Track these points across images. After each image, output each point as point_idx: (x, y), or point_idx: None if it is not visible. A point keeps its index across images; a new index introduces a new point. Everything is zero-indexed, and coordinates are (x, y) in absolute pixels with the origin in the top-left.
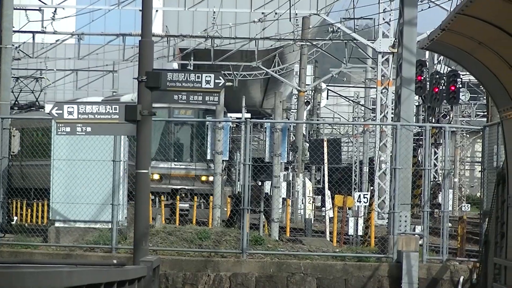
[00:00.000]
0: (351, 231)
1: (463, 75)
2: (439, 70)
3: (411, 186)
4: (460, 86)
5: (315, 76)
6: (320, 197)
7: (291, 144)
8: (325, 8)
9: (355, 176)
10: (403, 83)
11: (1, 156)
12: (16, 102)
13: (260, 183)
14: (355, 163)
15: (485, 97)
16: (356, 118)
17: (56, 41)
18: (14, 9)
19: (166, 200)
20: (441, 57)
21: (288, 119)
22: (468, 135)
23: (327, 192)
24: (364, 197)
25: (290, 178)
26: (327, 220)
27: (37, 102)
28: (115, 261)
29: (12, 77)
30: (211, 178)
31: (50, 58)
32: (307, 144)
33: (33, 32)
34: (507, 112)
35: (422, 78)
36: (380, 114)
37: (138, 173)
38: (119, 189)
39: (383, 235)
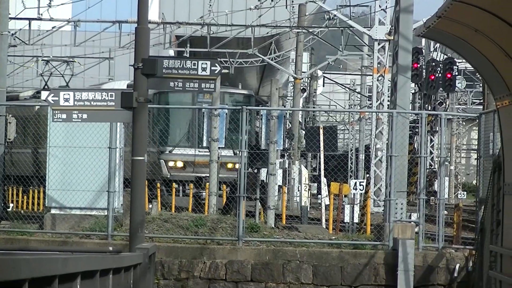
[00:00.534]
0: (347, 219)
1: (459, 62)
2: (435, 58)
3: (407, 174)
4: (456, 73)
5: (311, 64)
6: (316, 184)
7: (287, 132)
8: None
9: (351, 163)
10: (399, 71)
11: None
12: (46, 86)
13: (256, 171)
14: (351, 150)
15: (481, 85)
16: (352, 106)
17: (52, 28)
18: None
19: (183, 188)
20: (437, 45)
21: (284, 107)
22: (464, 123)
23: (323, 180)
24: (360, 185)
25: (286, 166)
26: (323, 208)
27: (67, 86)
28: (111, 248)
29: (42, 59)
30: (237, 166)
31: (46, 45)
32: (303, 132)
33: (29, 19)
34: (503, 100)
35: (418, 65)
36: (376, 102)
37: (134, 160)
38: (115, 176)
39: (379, 223)
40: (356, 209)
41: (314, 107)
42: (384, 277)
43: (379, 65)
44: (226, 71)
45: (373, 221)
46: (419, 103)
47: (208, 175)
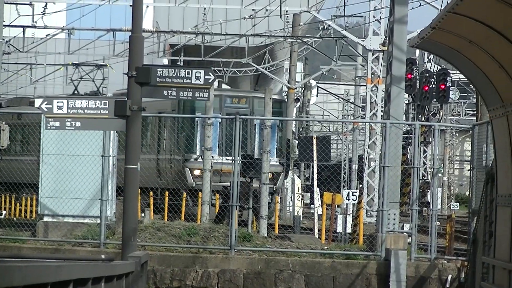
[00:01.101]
0: (339, 229)
1: (453, 73)
2: (429, 69)
3: (400, 184)
4: (450, 84)
5: (305, 73)
6: (309, 194)
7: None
8: (316, 6)
9: (344, 173)
10: (393, 81)
11: None
12: (76, 92)
13: (249, 180)
14: (344, 160)
15: (474, 96)
16: (345, 116)
17: (47, 35)
18: (5, 3)
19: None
20: (431, 56)
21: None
22: (457, 134)
23: (316, 189)
24: (353, 195)
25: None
26: (316, 218)
27: (99, 91)
28: (103, 256)
29: (72, 64)
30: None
31: (40, 53)
32: (296, 141)
33: (24, 27)
34: (497, 111)
35: (412, 76)
36: (370, 112)
37: (127, 169)
38: (108, 184)
39: (372, 233)
40: (349, 219)
41: (307, 117)
42: None
43: (373, 76)
44: (220, 80)
45: (365, 231)
46: (412, 113)
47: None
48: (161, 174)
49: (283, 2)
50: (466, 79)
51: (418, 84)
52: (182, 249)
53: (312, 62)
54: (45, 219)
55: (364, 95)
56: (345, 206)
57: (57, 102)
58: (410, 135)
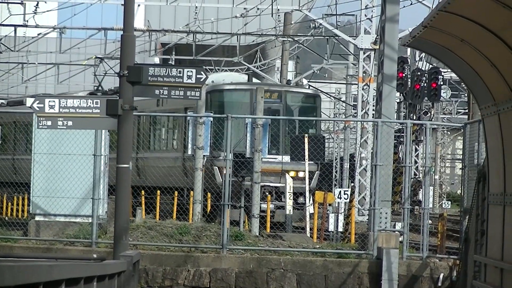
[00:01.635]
0: (331, 228)
1: (444, 72)
2: (420, 67)
3: (392, 183)
4: (441, 83)
5: (296, 72)
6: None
7: None
8: (307, 4)
9: (336, 172)
10: (385, 80)
11: None
12: (100, 88)
13: (241, 179)
14: (336, 159)
15: (466, 95)
16: (337, 115)
17: (38, 34)
18: None
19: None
20: (423, 54)
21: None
22: (449, 132)
23: (308, 188)
24: (344, 194)
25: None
26: (307, 216)
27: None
28: (95, 256)
29: (96, 57)
30: (301, 174)
31: (31, 52)
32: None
33: (15, 26)
34: (488, 110)
35: (404, 75)
36: (361, 111)
37: (119, 168)
38: (99, 183)
39: (363, 232)
40: (341, 218)
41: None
42: (368, 286)
43: (364, 74)
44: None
45: (357, 230)
46: (404, 112)
47: (274, 184)
48: (187, 173)
49: (274, 0)
50: (457, 78)
51: (409, 83)
52: (174, 248)
53: (304, 61)
54: (37, 218)
55: (356, 94)
56: (336, 205)
57: (49, 101)
58: (402, 134)
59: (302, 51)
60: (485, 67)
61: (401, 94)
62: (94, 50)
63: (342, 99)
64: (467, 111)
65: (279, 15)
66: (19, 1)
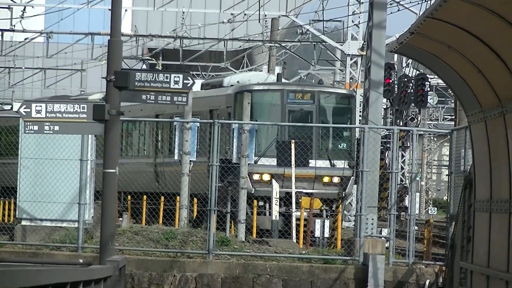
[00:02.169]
0: (317, 233)
1: (431, 78)
2: (407, 73)
3: (378, 189)
4: (428, 89)
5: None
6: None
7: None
8: (294, 10)
9: None
10: (372, 86)
11: None
12: None
13: (227, 184)
14: None
15: (453, 101)
16: None
17: (25, 39)
18: None
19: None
20: (410, 60)
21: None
22: (435, 139)
23: (294, 193)
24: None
25: None
26: (294, 222)
27: None
28: (81, 261)
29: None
30: (335, 179)
31: (18, 57)
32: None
33: (2, 30)
34: (475, 116)
35: (391, 81)
36: None
37: (105, 173)
38: (86, 188)
39: (350, 238)
40: (327, 223)
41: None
42: None
43: (351, 80)
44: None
45: (343, 236)
46: (390, 118)
47: (301, 190)
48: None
49: (261, 6)
50: (444, 84)
51: (396, 89)
52: (160, 253)
53: (291, 67)
54: (23, 223)
55: None
56: (323, 211)
57: (36, 106)
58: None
59: (289, 57)
60: (472, 74)
61: (388, 100)
62: (81, 55)
63: None
64: (453, 117)
65: (266, 21)
66: (6, 6)
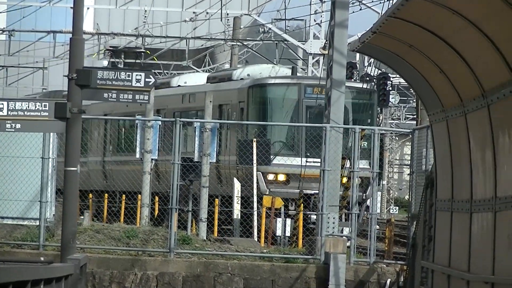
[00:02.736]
0: (279, 232)
1: (393, 77)
2: (369, 72)
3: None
4: (390, 88)
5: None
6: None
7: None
8: (257, 9)
9: None
10: (333, 85)
11: None
12: None
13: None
14: None
15: (415, 100)
16: None
17: None
18: None
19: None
20: (372, 60)
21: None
22: (397, 138)
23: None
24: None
25: None
26: (255, 221)
27: None
28: (42, 259)
29: (107, 50)
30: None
31: None
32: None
33: None
34: (437, 116)
35: (353, 80)
36: None
37: (67, 171)
38: (47, 186)
39: (311, 237)
40: (288, 222)
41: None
42: None
43: None
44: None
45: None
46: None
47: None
48: (222, 180)
49: (223, 5)
50: (406, 84)
51: None
52: (121, 251)
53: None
54: None
55: None
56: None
57: None
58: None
59: (251, 56)
60: (434, 73)
61: None
62: (43, 53)
63: None
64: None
65: (228, 20)
66: None
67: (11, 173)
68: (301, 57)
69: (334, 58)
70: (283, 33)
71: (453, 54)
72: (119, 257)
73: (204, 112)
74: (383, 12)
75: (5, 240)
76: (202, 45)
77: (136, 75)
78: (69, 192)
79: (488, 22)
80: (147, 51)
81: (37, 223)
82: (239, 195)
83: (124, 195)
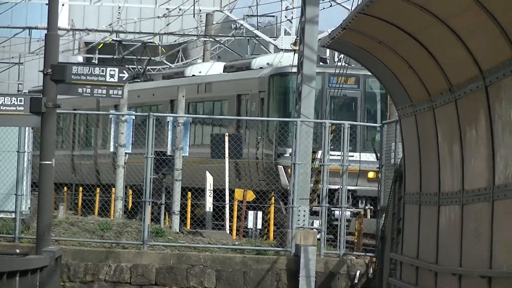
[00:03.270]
0: (250, 225)
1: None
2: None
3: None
4: None
5: None
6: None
7: None
8: (229, 5)
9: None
10: (304, 80)
11: None
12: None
13: (162, 176)
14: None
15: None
16: None
17: None
18: None
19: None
20: (342, 55)
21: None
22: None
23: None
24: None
25: None
26: (227, 213)
27: (144, 73)
28: (18, 251)
29: (113, 40)
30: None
31: None
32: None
33: None
34: (406, 110)
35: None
36: None
37: (42, 165)
38: (23, 179)
39: (282, 229)
40: (260, 215)
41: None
42: (286, 283)
43: None
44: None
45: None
46: None
47: (350, 187)
48: (240, 174)
49: (196, 1)
50: (375, 79)
51: None
52: (96, 244)
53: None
54: None
55: None
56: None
57: None
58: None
59: (223, 51)
60: (403, 69)
61: None
62: (19, 49)
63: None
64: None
65: (200, 16)
66: None
67: None
68: (273, 53)
69: (304, 53)
70: (254, 29)
71: (421, 49)
72: (93, 249)
73: (221, 103)
74: (353, 9)
75: None
76: (175, 41)
77: (110, 70)
78: (44, 185)
79: (455, 18)
80: (163, 48)
81: (13, 216)
82: (212, 188)
83: (98, 188)
